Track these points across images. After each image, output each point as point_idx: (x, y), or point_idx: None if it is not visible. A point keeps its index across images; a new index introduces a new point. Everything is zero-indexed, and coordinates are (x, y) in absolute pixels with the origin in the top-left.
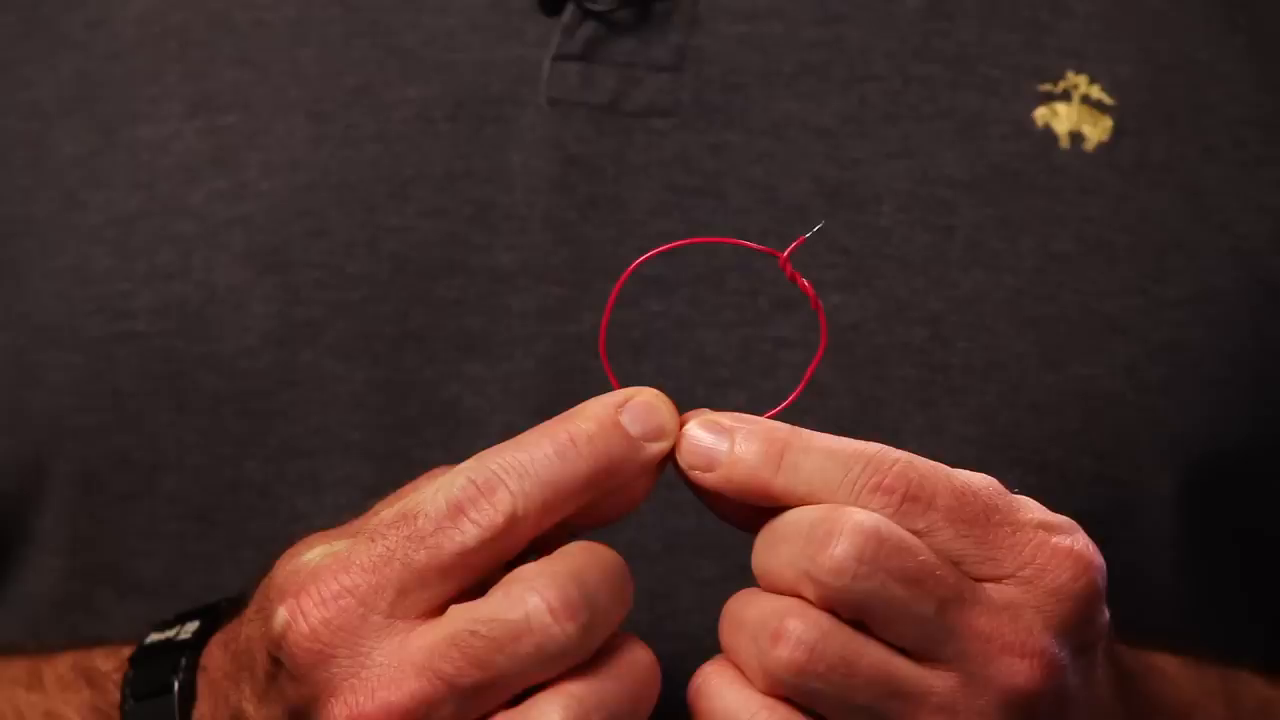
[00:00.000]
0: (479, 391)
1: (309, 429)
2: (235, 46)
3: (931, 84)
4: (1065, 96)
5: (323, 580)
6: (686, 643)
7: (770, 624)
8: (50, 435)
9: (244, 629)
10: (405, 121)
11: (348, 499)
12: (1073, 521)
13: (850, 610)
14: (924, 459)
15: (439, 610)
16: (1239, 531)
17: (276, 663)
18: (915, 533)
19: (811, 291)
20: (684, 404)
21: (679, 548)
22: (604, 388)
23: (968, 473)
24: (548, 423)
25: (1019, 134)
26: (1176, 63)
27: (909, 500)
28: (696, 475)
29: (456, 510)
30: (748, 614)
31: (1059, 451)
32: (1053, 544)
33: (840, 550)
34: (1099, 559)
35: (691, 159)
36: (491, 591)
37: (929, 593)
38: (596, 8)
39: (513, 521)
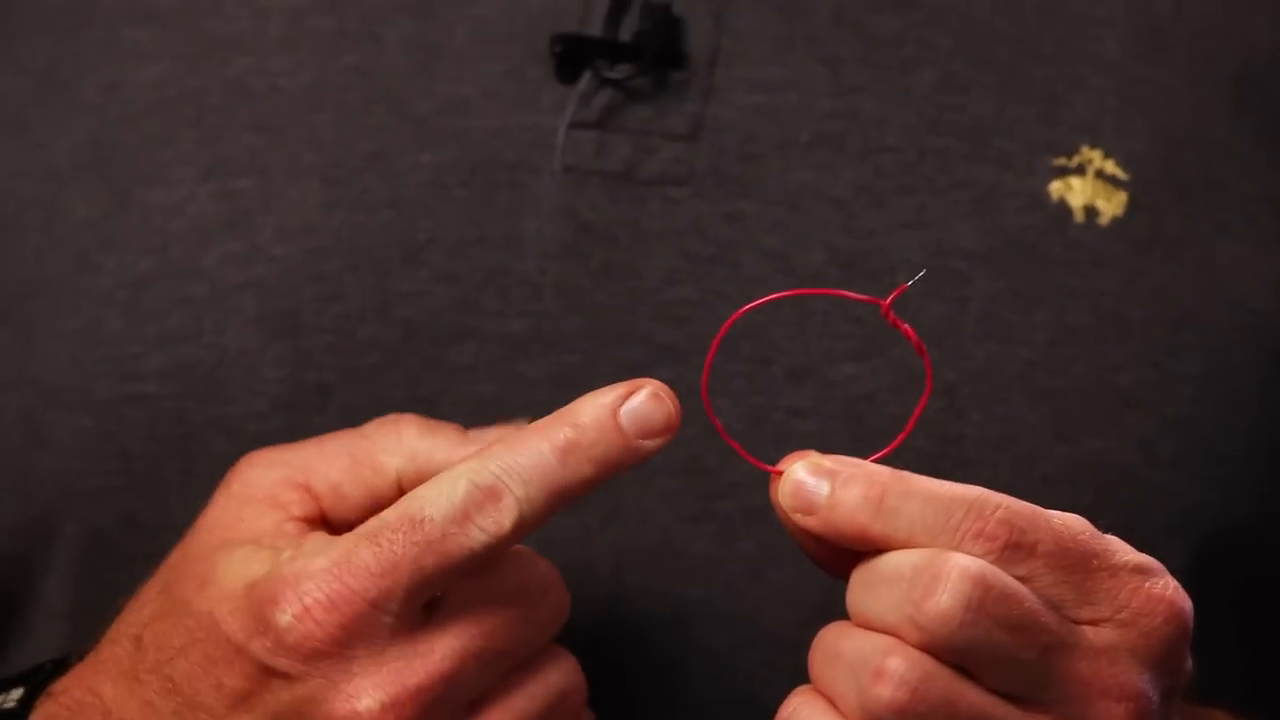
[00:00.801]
0: None
1: None
2: (250, 112)
3: (946, 156)
4: (1080, 171)
5: (330, 584)
6: (698, 714)
7: (872, 661)
8: (59, 497)
9: (176, 664)
10: (419, 187)
11: None
12: (1162, 565)
13: (953, 655)
14: (1022, 502)
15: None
16: (1252, 603)
17: (264, 670)
18: (1018, 578)
19: (915, 336)
20: (696, 473)
21: (688, 618)
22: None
23: (1064, 515)
24: (546, 421)
25: (1034, 207)
26: (1190, 139)
27: (1011, 547)
28: (798, 519)
29: (464, 516)
30: (844, 647)
31: None
32: (1146, 588)
33: (947, 598)
34: (1188, 604)
35: (706, 227)
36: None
37: (1033, 640)
38: (613, 76)
39: (519, 527)
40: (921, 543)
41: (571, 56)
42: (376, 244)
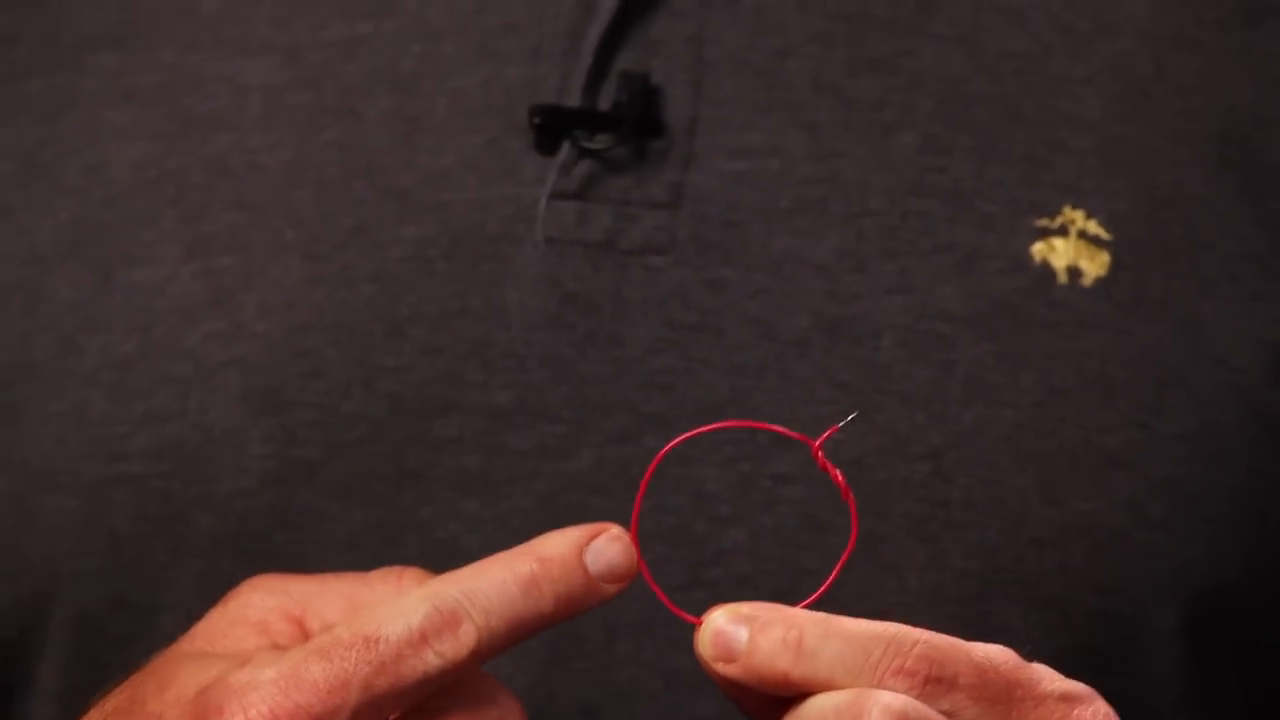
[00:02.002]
0: (477, 530)
1: (305, 570)
2: (231, 190)
3: (928, 219)
4: (1062, 231)
5: (275, 698)
6: None
7: None
8: (48, 579)
9: None
10: (401, 261)
11: None
12: (1092, 690)
13: None
14: (943, 636)
15: None
16: (1242, 665)
17: None
18: (942, 712)
19: (843, 483)
20: (684, 542)
21: (679, 687)
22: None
23: (986, 646)
24: (510, 553)
25: (1017, 269)
26: (1172, 198)
27: (932, 681)
28: (719, 668)
29: (421, 639)
30: None
31: (1061, 587)
32: (1075, 716)
33: None
34: None
35: (689, 295)
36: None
37: None
38: (593, 146)
39: (475, 655)
40: (843, 683)
41: (550, 127)
42: (359, 319)
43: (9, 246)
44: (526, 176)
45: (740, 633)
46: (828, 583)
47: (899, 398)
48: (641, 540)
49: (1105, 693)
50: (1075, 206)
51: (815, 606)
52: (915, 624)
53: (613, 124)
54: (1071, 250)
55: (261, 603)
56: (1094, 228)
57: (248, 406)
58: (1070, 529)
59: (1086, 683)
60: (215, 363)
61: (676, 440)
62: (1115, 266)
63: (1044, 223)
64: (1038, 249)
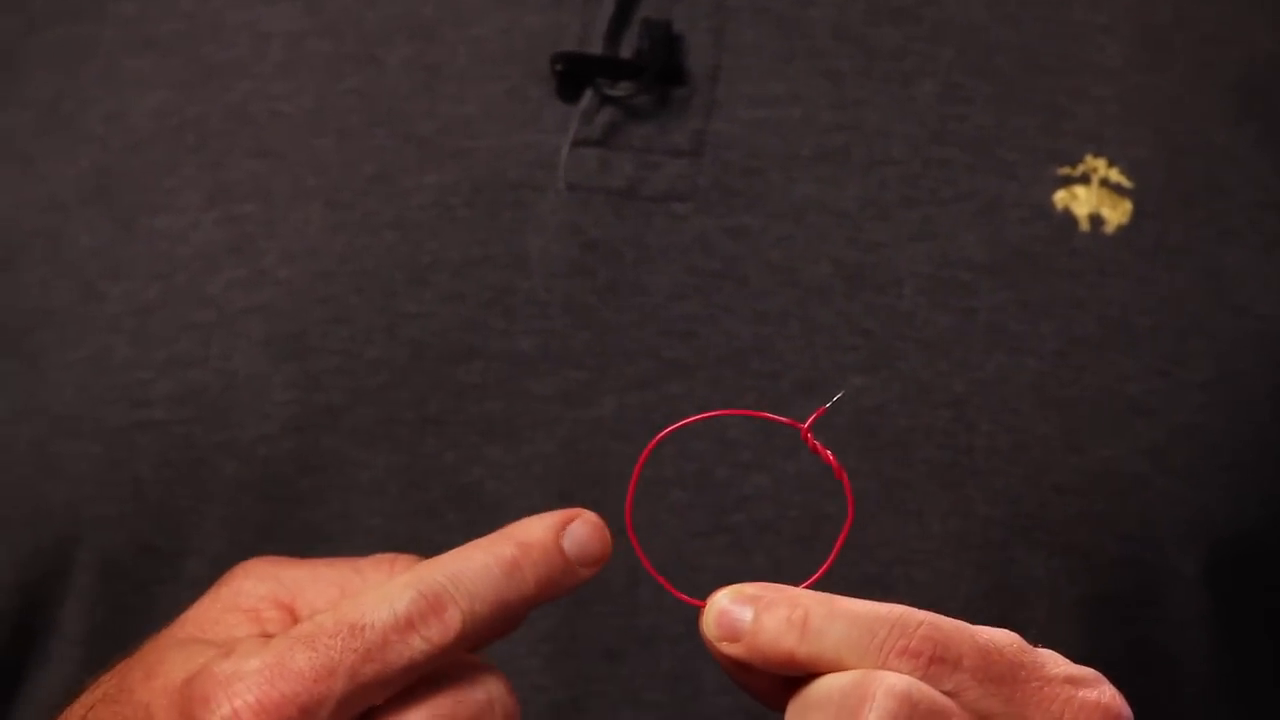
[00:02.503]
0: (499, 476)
1: (330, 515)
2: (253, 137)
3: (950, 168)
4: (1084, 179)
5: (260, 687)
6: None
7: None
8: (72, 525)
9: None
10: (423, 208)
11: None
12: (1098, 673)
13: None
14: (947, 619)
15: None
16: (1267, 610)
17: None
18: (945, 693)
19: (835, 462)
20: (707, 487)
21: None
22: (624, 471)
23: (991, 630)
24: (491, 537)
25: (1039, 217)
26: (1193, 146)
27: (936, 662)
28: (723, 647)
29: (407, 625)
30: None
31: (1083, 533)
32: (1080, 699)
33: (874, 717)
34: (1126, 710)
35: (711, 243)
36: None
37: None
38: (615, 93)
39: (461, 639)
40: (849, 663)
41: (573, 75)
42: (382, 265)
43: (29, 194)
44: (548, 124)
45: (745, 613)
46: (828, 562)
47: (921, 345)
48: (663, 486)
49: (1128, 640)
50: (1097, 154)
51: (817, 586)
52: (939, 571)
53: (635, 71)
54: (1093, 198)
55: (253, 590)
56: (1116, 176)
57: (270, 353)
58: (1092, 476)
59: (1110, 631)
60: (238, 309)
61: (664, 432)
62: (1137, 214)
63: (1066, 171)
64: (1060, 197)
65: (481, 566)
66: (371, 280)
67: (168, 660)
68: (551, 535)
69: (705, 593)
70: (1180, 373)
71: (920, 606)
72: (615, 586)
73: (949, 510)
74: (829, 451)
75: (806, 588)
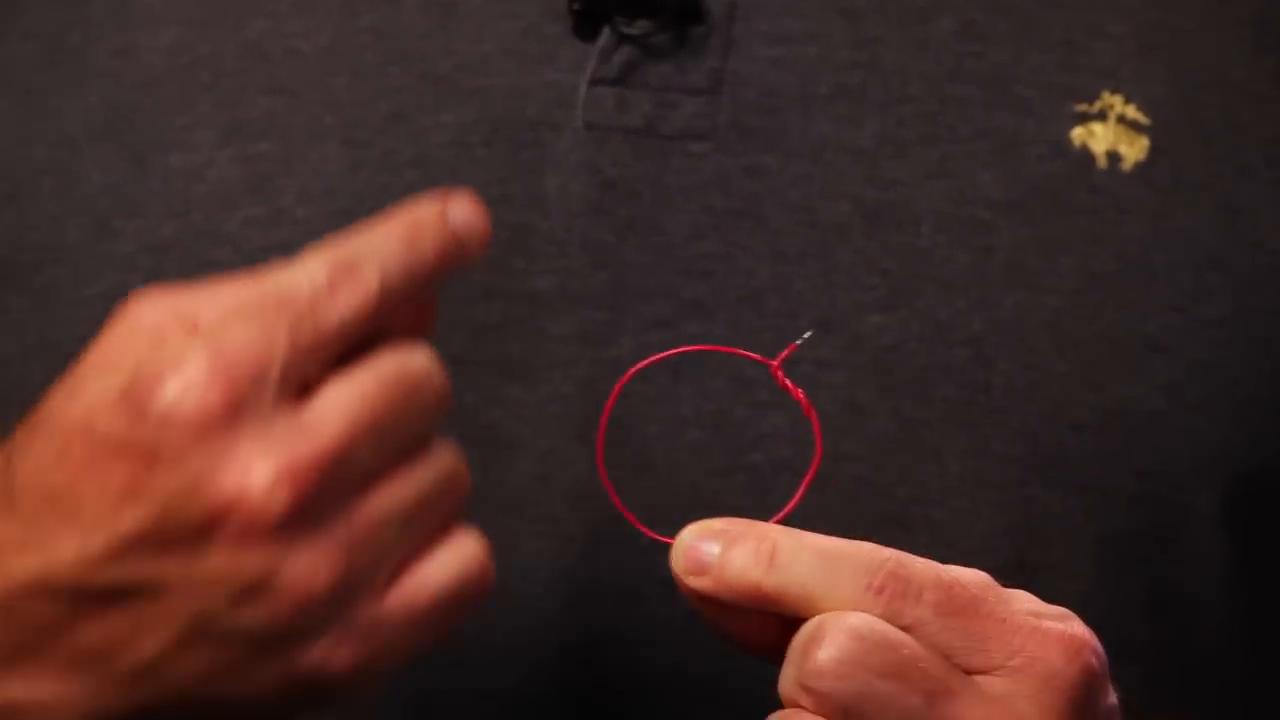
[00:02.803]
0: (518, 415)
1: None
2: (268, 75)
3: (968, 105)
4: (1101, 116)
5: (207, 359)
6: (730, 663)
7: None
8: None
9: (51, 476)
10: (441, 147)
11: None
12: (1066, 610)
13: (843, 714)
14: (914, 556)
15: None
16: None
17: (149, 456)
18: (904, 628)
19: (805, 400)
20: (724, 425)
21: None
22: (642, 410)
23: (959, 568)
24: (383, 219)
25: (1056, 154)
26: (1209, 82)
27: (897, 596)
28: (690, 581)
29: (330, 288)
30: None
31: (1101, 471)
32: (1043, 630)
33: (823, 653)
34: (1093, 641)
35: (729, 182)
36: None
37: (914, 686)
38: (632, 32)
39: (381, 298)
40: (815, 596)
41: (590, 13)
42: (400, 204)
43: (36, 127)
44: (565, 63)
45: (712, 548)
46: (794, 500)
47: (939, 283)
48: (681, 426)
49: (1145, 578)
50: (1114, 91)
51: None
52: (956, 510)
53: (652, 10)
54: (1110, 135)
55: (153, 314)
56: (1133, 112)
57: None
58: (1110, 414)
59: (1128, 569)
60: (256, 248)
61: (637, 366)
62: (1154, 151)
63: (1083, 107)
64: (1077, 134)
65: (382, 237)
66: None
67: (89, 378)
68: (435, 210)
69: None
70: (1197, 309)
71: (938, 545)
72: (632, 527)
73: (967, 449)
74: (799, 390)
75: (775, 523)
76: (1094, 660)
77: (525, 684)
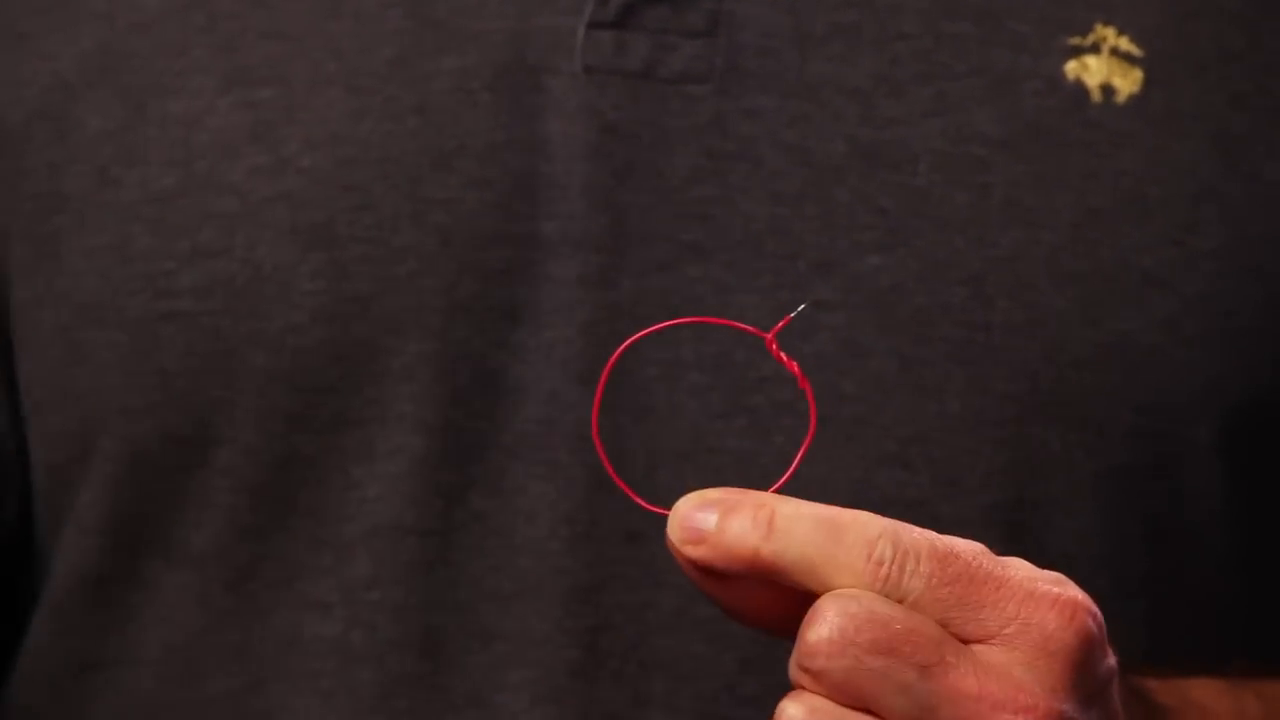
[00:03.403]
0: (524, 360)
1: (361, 402)
2: (267, 20)
3: (962, 41)
4: (1094, 49)
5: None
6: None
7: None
8: (97, 412)
9: None
10: (444, 93)
11: (398, 469)
12: (1062, 576)
13: (841, 692)
14: (907, 525)
15: None
16: (1279, 479)
17: None
18: (898, 599)
19: (799, 372)
20: (725, 368)
21: None
22: (643, 353)
23: (953, 538)
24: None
25: (1051, 89)
26: (1201, 11)
27: (895, 566)
28: (688, 550)
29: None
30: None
31: (1099, 407)
32: (1038, 595)
33: (813, 632)
34: (1089, 604)
35: (727, 124)
36: None
37: (907, 660)
38: None
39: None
40: (813, 563)
41: None
42: (406, 151)
43: (28, 70)
44: (564, 5)
45: (709, 517)
46: (791, 469)
47: (937, 222)
48: (681, 369)
49: (1144, 514)
50: (1106, 23)
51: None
52: (957, 448)
53: None
54: (1104, 68)
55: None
56: (1125, 44)
57: (297, 242)
58: (1108, 349)
59: (1127, 504)
60: (261, 198)
61: (635, 336)
62: (1148, 83)
63: (1076, 41)
64: (1071, 68)
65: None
66: (397, 167)
67: None
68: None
69: (723, 475)
70: (1193, 241)
71: (938, 484)
72: (635, 470)
73: (966, 387)
74: (794, 363)
75: (772, 492)
76: (1091, 623)
77: (530, 626)
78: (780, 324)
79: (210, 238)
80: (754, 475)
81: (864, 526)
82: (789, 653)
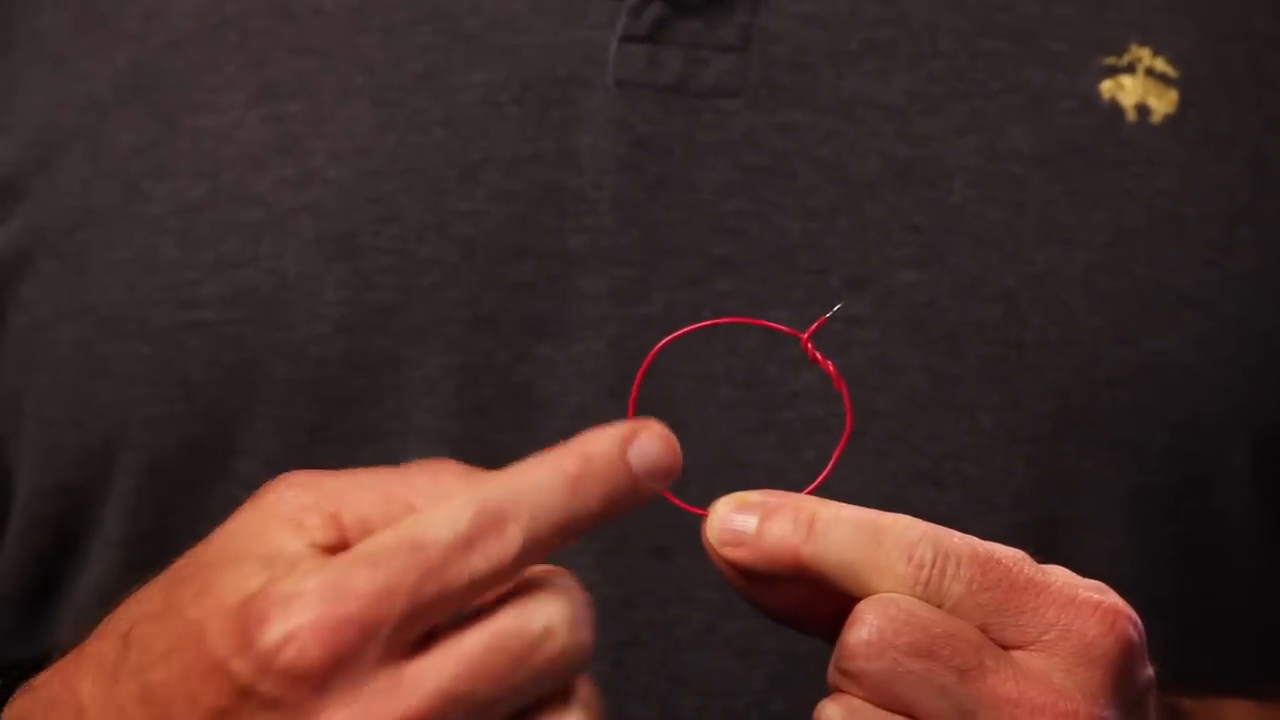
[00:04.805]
0: (550, 374)
1: (382, 414)
2: (296, 35)
3: (997, 59)
4: (1130, 69)
5: (320, 606)
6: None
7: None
8: (119, 426)
9: (155, 670)
10: (471, 106)
11: None
12: (1102, 584)
13: (880, 694)
14: (949, 530)
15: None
16: None
17: (241, 690)
18: (937, 603)
19: (835, 372)
20: (756, 384)
21: None
22: (674, 368)
23: (994, 544)
24: (553, 453)
25: (1086, 108)
26: (1237, 34)
27: (936, 570)
28: (727, 551)
29: (467, 543)
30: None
31: (1133, 426)
32: (1079, 602)
33: (853, 634)
34: (1130, 612)
35: (760, 138)
36: (503, 610)
37: (946, 663)
38: None
39: (521, 557)
40: (854, 566)
41: None
42: (431, 163)
43: (64, 92)
44: (596, 20)
45: (749, 520)
46: (826, 471)
47: (971, 239)
48: (713, 384)
49: (1176, 534)
50: (1142, 44)
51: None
52: (989, 465)
53: None
54: (1140, 88)
55: (296, 499)
56: (1161, 65)
57: (321, 252)
58: (1143, 368)
59: (1159, 523)
60: (286, 209)
61: (670, 337)
62: (1183, 104)
63: (1112, 61)
64: (1106, 87)
65: (544, 482)
66: (422, 178)
67: (220, 577)
68: (617, 449)
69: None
70: (1228, 262)
71: (970, 501)
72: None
73: (999, 405)
74: (829, 362)
75: (808, 494)
76: (1132, 631)
77: None
78: (815, 324)
79: (235, 248)
80: (784, 489)
81: (905, 529)
82: (820, 669)
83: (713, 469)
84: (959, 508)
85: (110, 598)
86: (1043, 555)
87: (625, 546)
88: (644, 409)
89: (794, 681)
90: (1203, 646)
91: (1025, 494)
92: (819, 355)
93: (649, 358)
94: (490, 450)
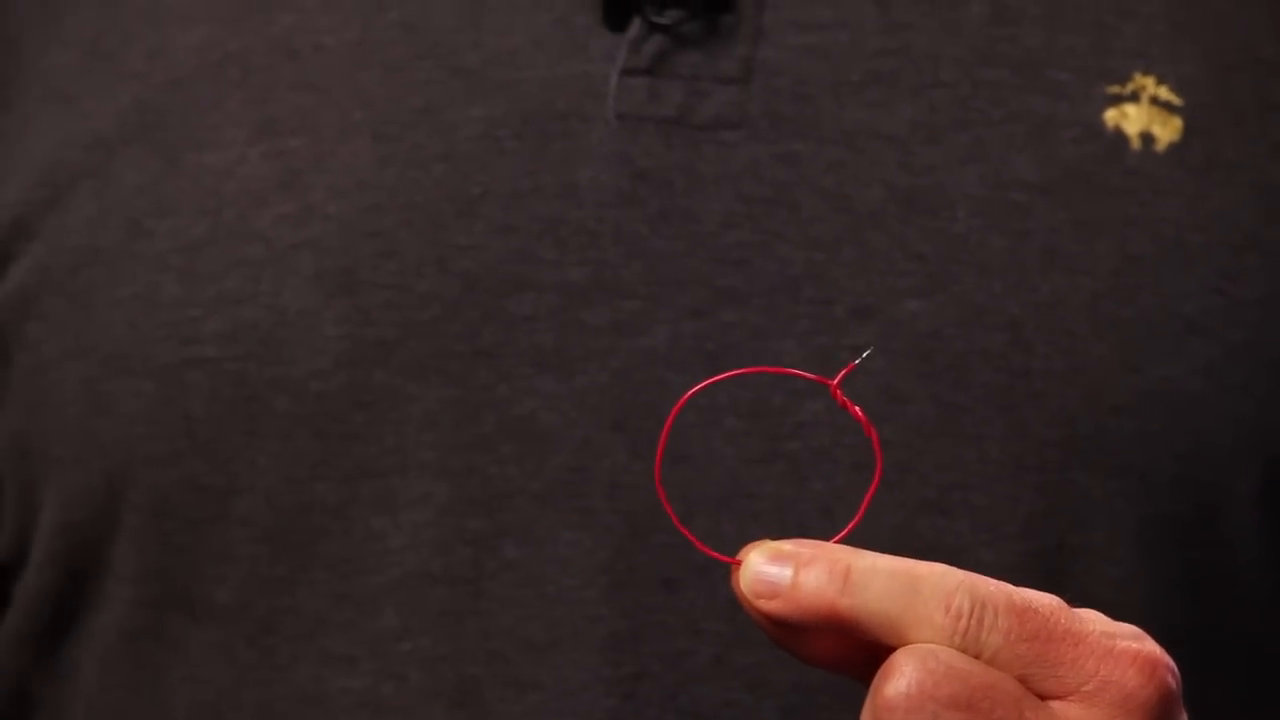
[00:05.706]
0: (553, 407)
1: (383, 449)
2: (297, 71)
3: (1000, 88)
4: (1134, 98)
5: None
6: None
7: None
8: (122, 464)
9: None
10: (471, 140)
11: (423, 518)
12: (1139, 630)
13: None
14: (985, 578)
15: None
16: None
17: None
18: (975, 653)
19: (865, 419)
20: (762, 414)
21: None
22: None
23: (1030, 591)
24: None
25: (1090, 136)
26: (1241, 62)
27: (973, 620)
28: (761, 604)
29: None
30: None
31: (1141, 454)
32: (1118, 651)
33: (891, 685)
34: (1167, 660)
35: (762, 170)
36: None
37: (985, 715)
38: (662, 21)
39: None
40: (890, 617)
41: (619, 3)
42: (431, 199)
43: (71, 131)
44: (596, 53)
45: (784, 571)
46: (856, 519)
47: (976, 268)
48: (718, 414)
49: (1186, 561)
50: (1146, 72)
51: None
52: (996, 494)
53: None
54: (1144, 116)
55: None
56: (1165, 93)
57: (321, 288)
58: (1150, 396)
59: (1168, 552)
60: (287, 244)
61: (696, 388)
62: (1187, 131)
63: (1115, 89)
64: (1110, 116)
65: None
66: (421, 213)
67: None
68: None
69: (761, 521)
70: (1234, 290)
71: (979, 530)
72: (669, 516)
73: (1006, 433)
74: (858, 408)
75: (837, 542)
76: (1170, 680)
77: (566, 675)
78: (844, 371)
79: (236, 284)
80: (791, 521)
81: (941, 579)
82: (831, 701)
83: (719, 500)
84: (967, 537)
85: (132, 636)
86: (1052, 584)
87: (633, 579)
88: (649, 440)
89: (805, 714)
90: (1214, 675)
91: (1033, 522)
92: (848, 402)
93: (674, 411)
94: (493, 484)
